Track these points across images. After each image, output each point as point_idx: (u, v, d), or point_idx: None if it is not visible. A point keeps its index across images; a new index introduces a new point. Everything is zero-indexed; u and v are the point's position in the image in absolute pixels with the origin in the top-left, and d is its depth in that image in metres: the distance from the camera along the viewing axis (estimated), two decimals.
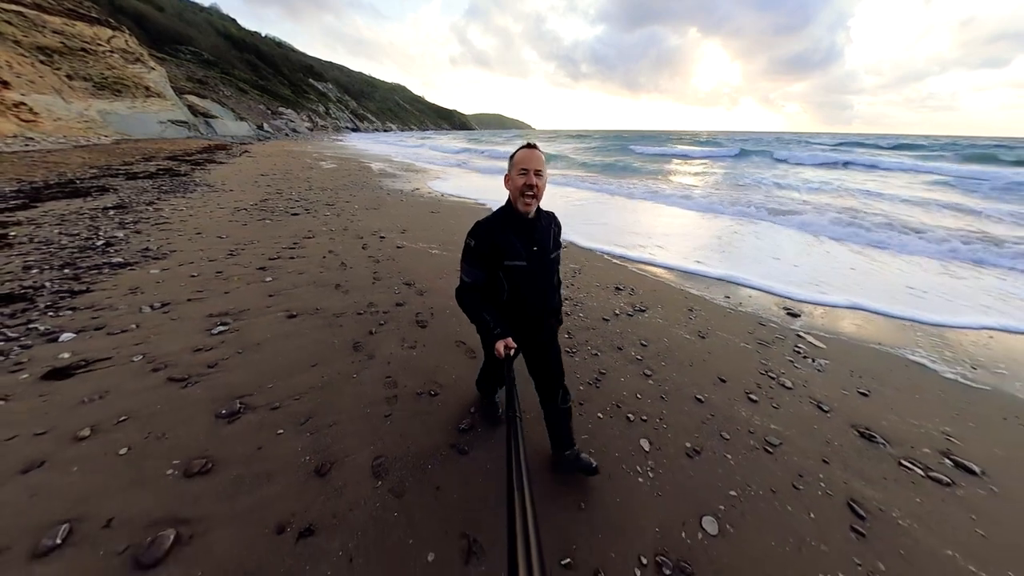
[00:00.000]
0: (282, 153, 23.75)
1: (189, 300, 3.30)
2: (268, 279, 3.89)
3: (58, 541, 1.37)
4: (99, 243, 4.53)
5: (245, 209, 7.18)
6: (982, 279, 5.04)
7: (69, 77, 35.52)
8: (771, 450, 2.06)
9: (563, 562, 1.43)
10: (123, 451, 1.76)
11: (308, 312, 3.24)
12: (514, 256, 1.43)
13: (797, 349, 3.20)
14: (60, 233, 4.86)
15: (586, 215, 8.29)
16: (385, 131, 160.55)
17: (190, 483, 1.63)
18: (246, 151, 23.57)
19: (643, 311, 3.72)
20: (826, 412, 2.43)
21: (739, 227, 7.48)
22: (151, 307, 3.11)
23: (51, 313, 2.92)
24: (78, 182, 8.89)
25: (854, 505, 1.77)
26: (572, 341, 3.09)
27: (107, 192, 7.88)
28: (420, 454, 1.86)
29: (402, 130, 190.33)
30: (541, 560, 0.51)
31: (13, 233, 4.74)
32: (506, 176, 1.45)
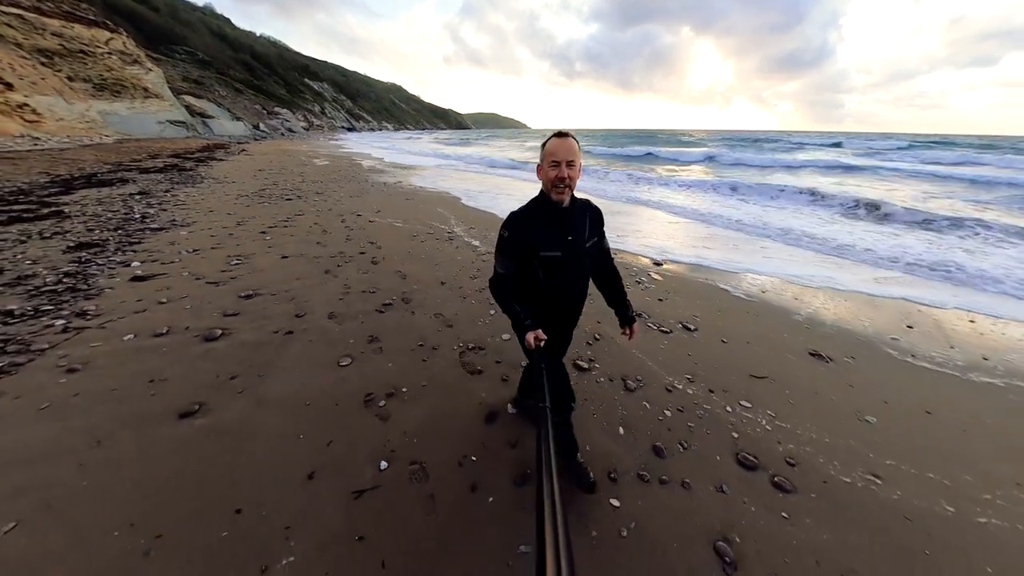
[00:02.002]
0: (278, 152, 25.04)
1: (212, 248, 4.69)
2: (267, 238, 5.28)
3: (164, 331, 2.77)
4: (136, 216, 5.91)
5: (247, 196, 8.54)
6: (786, 252, 6.51)
7: (70, 78, 36.33)
8: None
9: (419, 344, 2.83)
10: (187, 307, 3.16)
11: (296, 256, 4.64)
12: (548, 247, 1.43)
13: (638, 280, 4.59)
14: (104, 210, 6.23)
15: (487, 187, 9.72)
16: (381, 130, 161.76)
17: (228, 319, 3.03)
18: (244, 150, 24.86)
19: None
20: None
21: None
22: (186, 251, 4.50)
23: (120, 253, 4.31)
24: (99, 175, 10.22)
25: (597, 336, 3.17)
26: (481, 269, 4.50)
27: (128, 183, 9.23)
28: (357, 312, 3.27)
29: (397, 129, 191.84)
30: (569, 550, 0.56)
31: (66, 210, 6.09)
32: (538, 166, 1.44)
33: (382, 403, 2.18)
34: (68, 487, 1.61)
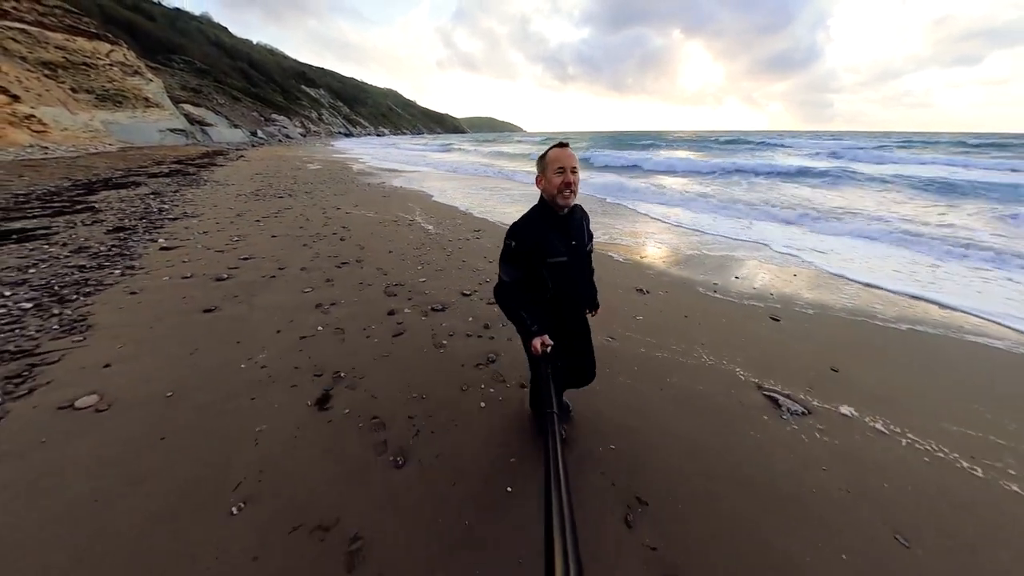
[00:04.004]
0: (274, 157, 26.46)
1: (217, 231, 6.10)
2: (261, 225, 6.68)
3: (188, 275, 4.15)
4: (155, 210, 7.30)
5: (244, 195, 9.94)
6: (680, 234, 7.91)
7: (73, 90, 37.58)
8: (450, 254, 4.83)
9: (360, 283, 4.21)
10: (203, 263, 4.55)
11: (282, 236, 6.04)
12: (555, 253, 1.49)
13: None
14: (126, 206, 7.62)
15: (460, 186, 11.14)
16: (378, 135, 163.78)
17: (231, 270, 4.43)
18: (242, 156, 26.31)
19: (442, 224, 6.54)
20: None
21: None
22: (198, 233, 5.90)
23: (147, 234, 5.70)
24: (114, 179, 11.61)
25: (476, 271, 4.53)
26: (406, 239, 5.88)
27: (140, 185, 10.62)
28: (321, 267, 4.67)
29: (394, 134, 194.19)
30: (578, 560, 0.56)
31: (97, 206, 7.47)
32: (538, 177, 1.51)
33: (326, 307, 3.57)
34: (144, 335, 2.99)
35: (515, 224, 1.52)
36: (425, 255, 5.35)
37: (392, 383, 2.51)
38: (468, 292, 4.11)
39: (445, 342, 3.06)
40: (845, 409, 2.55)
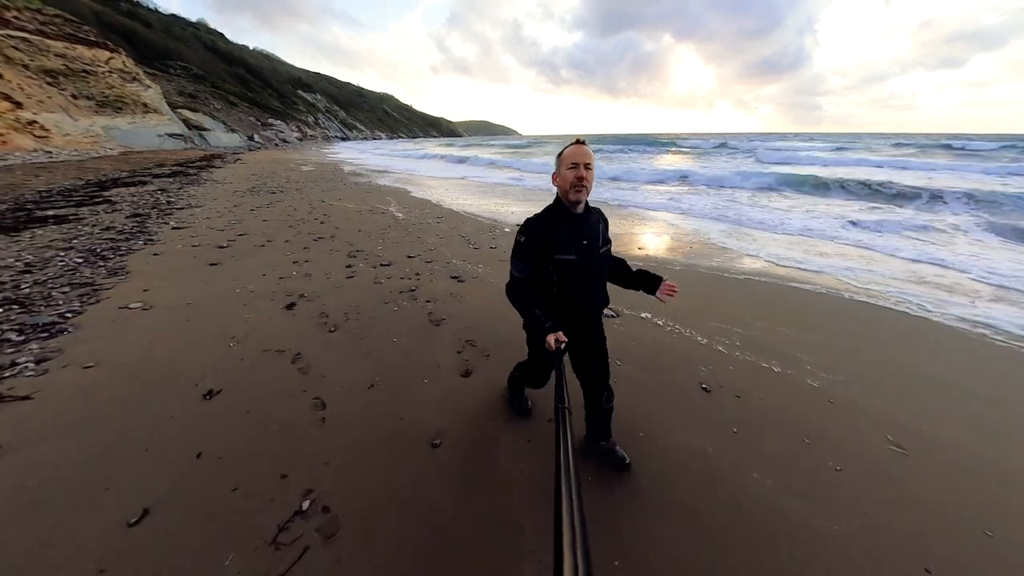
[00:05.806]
0: (270, 160, 27.71)
1: (218, 217, 7.34)
2: (254, 212, 7.92)
3: (196, 244, 5.37)
4: (163, 202, 8.53)
5: (241, 192, 11.16)
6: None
7: (74, 96, 38.67)
8: (409, 233, 6.06)
9: (330, 250, 5.44)
10: (207, 237, 5.76)
11: (272, 220, 7.28)
12: (564, 250, 1.49)
13: (491, 232, 7.20)
14: (138, 200, 8.85)
15: (439, 186, 12.39)
16: (374, 139, 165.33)
17: (230, 241, 5.66)
18: (239, 159, 27.57)
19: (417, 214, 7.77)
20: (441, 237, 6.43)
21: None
22: (202, 218, 7.13)
23: (160, 219, 6.93)
24: (122, 179, 12.81)
25: (425, 243, 5.76)
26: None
27: (147, 184, 11.83)
28: (302, 240, 5.89)
29: (390, 138, 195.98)
30: (587, 554, 0.56)
31: (113, 199, 8.68)
32: (554, 174, 1.54)
33: (300, 263, 4.82)
34: (168, 275, 4.22)
35: (528, 220, 1.56)
36: (388, 234, 6.58)
37: (339, 299, 3.74)
38: (413, 255, 5.34)
39: (382, 281, 4.30)
40: (644, 315, 3.78)
